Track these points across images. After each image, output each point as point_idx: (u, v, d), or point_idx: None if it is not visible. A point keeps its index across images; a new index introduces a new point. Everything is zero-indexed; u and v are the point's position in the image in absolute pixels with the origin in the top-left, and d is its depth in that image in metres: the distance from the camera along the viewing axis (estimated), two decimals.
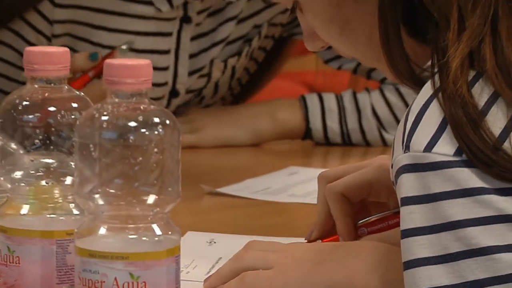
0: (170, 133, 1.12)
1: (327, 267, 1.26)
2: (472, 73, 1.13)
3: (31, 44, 2.07)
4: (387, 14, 1.22)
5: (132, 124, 1.11)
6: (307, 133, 2.22)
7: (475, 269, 1.08)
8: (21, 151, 1.20)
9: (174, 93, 2.17)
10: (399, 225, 1.20)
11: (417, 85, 1.21)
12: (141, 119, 1.11)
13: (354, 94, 2.22)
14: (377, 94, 2.21)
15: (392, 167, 1.14)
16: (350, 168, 1.44)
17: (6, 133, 1.20)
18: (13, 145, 1.20)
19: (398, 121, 2.16)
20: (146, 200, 1.11)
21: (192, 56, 2.17)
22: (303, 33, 1.36)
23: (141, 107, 1.12)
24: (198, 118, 2.20)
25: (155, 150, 1.11)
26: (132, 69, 1.12)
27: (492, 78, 1.11)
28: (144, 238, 1.11)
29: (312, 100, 2.23)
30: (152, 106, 1.13)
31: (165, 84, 2.16)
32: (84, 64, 1.93)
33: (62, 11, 2.07)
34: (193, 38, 2.16)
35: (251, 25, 2.20)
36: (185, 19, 2.13)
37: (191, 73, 2.18)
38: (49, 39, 2.08)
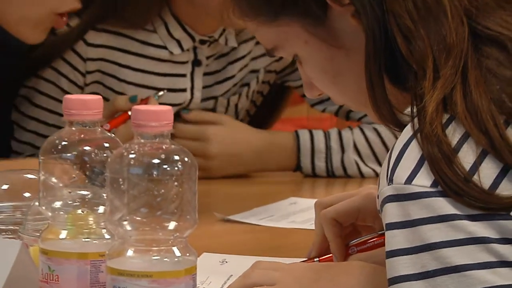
0: (188, 169, 1.12)
1: (322, 284, 1.25)
2: (446, 116, 1.13)
3: (69, 80, 2.07)
4: (372, 66, 1.22)
5: (155, 161, 1.11)
6: (297, 168, 2.21)
7: (450, 284, 1.09)
8: (60, 184, 1.19)
9: None
10: (383, 245, 1.20)
11: (398, 127, 1.21)
12: (163, 157, 1.11)
13: (339, 133, 2.20)
14: (358, 131, 2.19)
15: (378, 197, 1.14)
16: (341, 196, 1.43)
17: (48, 169, 1.19)
18: (54, 179, 1.20)
19: (375, 154, 2.18)
20: (168, 226, 1.11)
21: (206, 99, 2.17)
22: (303, 83, 1.35)
23: (163, 147, 1.12)
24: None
25: (175, 183, 1.11)
26: (155, 114, 1.12)
27: (462, 120, 1.12)
28: (165, 259, 1.11)
29: (304, 140, 2.21)
30: (172, 146, 1.12)
31: (183, 103, 2.16)
32: (125, 105, 1.93)
33: (93, 49, 2.06)
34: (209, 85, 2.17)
35: (249, 70, 2.19)
36: (196, 63, 2.14)
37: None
38: (84, 75, 2.07)
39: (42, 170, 1.20)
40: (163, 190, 1.11)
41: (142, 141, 1.12)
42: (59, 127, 1.23)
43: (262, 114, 2.31)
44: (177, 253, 1.12)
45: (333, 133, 2.21)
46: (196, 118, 2.14)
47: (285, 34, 1.30)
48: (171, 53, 2.10)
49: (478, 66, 1.15)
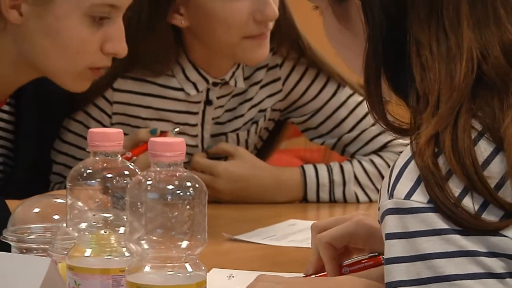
0: (199, 194, 1.12)
1: None
2: (436, 149, 1.12)
3: (97, 120, 2.07)
4: (371, 65, 1.20)
5: (170, 187, 1.11)
6: (303, 200, 2.18)
7: None
8: (86, 208, 1.19)
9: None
10: (372, 267, 1.20)
11: (386, 125, 1.20)
12: (176, 184, 1.11)
13: (341, 166, 2.17)
14: (357, 164, 2.16)
15: (379, 209, 1.13)
16: (335, 220, 1.42)
17: (74, 194, 1.20)
18: (79, 203, 1.20)
19: (373, 183, 2.16)
20: (181, 245, 1.11)
21: (214, 135, 2.17)
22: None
23: (177, 174, 1.12)
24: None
25: (187, 207, 1.11)
26: (170, 146, 1.12)
27: (447, 158, 1.11)
28: (179, 274, 1.11)
29: (310, 177, 2.17)
30: (185, 173, 1.13)
31: (196, 146, 2.15)
32: (146, 136, 1.92)
33: (119, 94, 2.06)
34: (218, 117, 2.16)
35: (258, 110, 2.19)
36: (208, 102, 2.13)
37: (213, 136, 2.18)
38: (110, 116, 2.07)
39: (69, 195, 1.21)
40: (176, 213, 1.10)
41: (158, 169, 1.12)
42: None
43: (265, 146, 2.31)
44: (189, 268, 1.12)
45: (335, 167, 2.18)
46: (217, 150, 2.14)
47: None
48: (188, 94, 2.11)
49: (469, 112, 1.13)
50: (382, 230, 1.13)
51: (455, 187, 1.10)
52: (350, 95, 2.18)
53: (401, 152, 2.19)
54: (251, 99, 2.18)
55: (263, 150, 2.29)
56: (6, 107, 1.82)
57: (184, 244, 1.11)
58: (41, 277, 1.18)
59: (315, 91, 2.18)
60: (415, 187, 1.11)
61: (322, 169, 2.18)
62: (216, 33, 2.03)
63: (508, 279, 1.08)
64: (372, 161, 2.18)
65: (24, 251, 1.32)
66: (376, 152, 2.19)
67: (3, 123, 1.83)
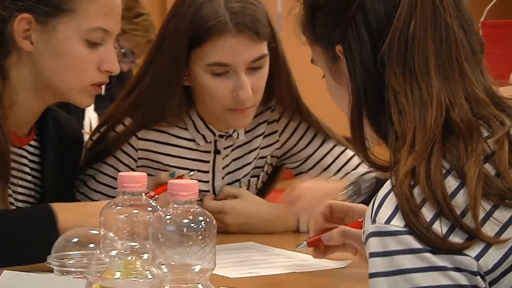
0: (209, 226, 1.12)
1: None
2: (413, 181, 1.12)
3: (125, 164, 2.06)
4: (354, 113, 1.21)
5: (185, 221, 1.11)
6: (296, 230, 2.11)
7: None
8: (116, 238, 1.19)
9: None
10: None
11: (370, 163, 1.21)
12: (191, 218, 1.12)
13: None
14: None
15: (363, 233, 1.14)
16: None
17: (106, 226, 1.20)
18: (111, 234, 1.20)
19: None
20: (194, 269, 1.11)
21: (227, 174, 2.15)
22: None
23: (191, 210, 1.12)
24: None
25: (200, 237, 1.11)
26: (186, 186, 1.13)
27: (422, 188, 1.11)
28: None
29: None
30: (198, 209, 1.13)
31: (208, 191, 2.12)
32: (166, 178, 1.91)
33: (143, 142, 2.05)
34: (227, 165, 2.14)
35: (260, 157, 2.17)
36: (216, 152, 2.12)
37: (228, 184, 2.15)
38: (135, 161, 2.06)
39: (102, 227, 1.21)
40: (190, 242, 1.11)
41: (176, 205, 1.13)
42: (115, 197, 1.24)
43: (264, 186, 2.30)
44: None
45: None
46: (224, 192, 2.12)
47: (316, 56, 1.29)
48: (198, 144, 2.10)
49: (440, 150, 1.14)
50: (366, 250, 1.13)
51: (427, 213, 1.10)
52: (334, 145, 2.18)
53: None
54: (256, 149, 2.17)
55: (263, 190, 2.28)
56: (31, 148, 1.82)
57: (197, 268, 1.11)
58: None
59: (306, 142, 2.18)
60: (393, 213, 1.11)
61: None
62: (205, 101, 2.02)
63: None
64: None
65: (65, 273, 1.31)
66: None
67: (32, 155, 1.82)
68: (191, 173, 2.01)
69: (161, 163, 2.08)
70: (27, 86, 1.73)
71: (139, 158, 2.07)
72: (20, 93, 1.73)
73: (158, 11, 4.94)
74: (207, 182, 2.12)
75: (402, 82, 1.16)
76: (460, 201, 1.10)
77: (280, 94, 2.10)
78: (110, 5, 1.72)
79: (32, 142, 1.82)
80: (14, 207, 1.76)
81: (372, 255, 1.11)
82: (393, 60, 1.17)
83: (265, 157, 2.19)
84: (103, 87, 1.81)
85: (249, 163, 2.16)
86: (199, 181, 2.08)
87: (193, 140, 2.09)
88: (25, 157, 1.80)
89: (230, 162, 2.15)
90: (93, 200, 2.07)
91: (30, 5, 1.68)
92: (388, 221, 1.11)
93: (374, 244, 1.11)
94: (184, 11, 1.94)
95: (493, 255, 1.09)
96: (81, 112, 3.62)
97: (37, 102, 1.76)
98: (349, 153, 2.17)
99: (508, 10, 4.38)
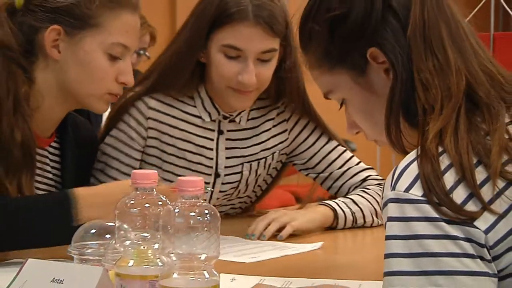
0: (214, 218, 1.11)
1: None
2: (440, 149, 1.11)
3: (136, 131, 2.04)
4: (393, 108, 1.20)
5: (192, 214, 1.11)
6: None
7: (428, 264, 1.07)
8: (130, 229, 1.19)
9: (217, 175, 2.12)
10: None
11: (402, 152, 1.20)
12: (197, 211, 1.11)
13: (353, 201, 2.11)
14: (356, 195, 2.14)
15: (382, 198, 1.13)
16: None
17: (121, 219, 1.20)
18: (125, 226, 1.19)
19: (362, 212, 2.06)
20: (200, 257, 1.10)
21: (228, 158, 2.13)
22: (347, 122, 1.32)
23: (197, 204, 1.12)
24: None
25: (205, 228, 1.10)
26: (191, 183, 1.12)
27: (448, 151, 1.10)
28: (199, 279, 1.11)
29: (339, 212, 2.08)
30: (203, 204, 1.12)
31: (211, 167, 2.11)
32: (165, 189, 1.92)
33: (152, 111, 2.05)
34: (230, 147, 2.13)
35: (267, 150, 2.16)
36: (220, 132, 2.12)
37: (228, 167, 2.13)
38: (146, 130, 2.05)
39: (117, 220, 1.20)
40: (197, 233, 1.10)
41: (184, 200, 1.12)
42: None
43: (272, 181, 2.27)
44: (207, 275, 1.11)
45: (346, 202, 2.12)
46: None
47: (337, 81, 1.27)
48: (204, 121, 2.10)
49: (467, 115, 1.14)
50: (384, 215, 1.12)
51: (449, 179, 1.09)
52: (338, 145, 2.18)
53: (376, 184, 2.17)
54: (262, 142, 2.15)
55: (269, 185, 2.27)
56: (52, 149, 1.83)
57: (203, 256, 1.11)
58: (96, 281, 1.17)
59: (313, 140, 2.18)
60: (413, 183, 1.10)
61: (343, 205, 2.10)
62: (213, 79, 2.04)
63: (477, 259, 1.08)
64: (359, 195, 2.14)
65: (84, 261, 1.31)
66: (358, 185, 2.15)
67: (53, 156, 1.83)
68: (208, 188, 2.00)
69: (168, 134, 2.08)
70: (51, 91, 1.75)
71: (149, 128, 2.06)
72: (45, 97, 1.74)
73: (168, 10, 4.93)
74: (211, 159, 2.11)
75: (424, 59, 1.17)
76: (477, 175, 1.10)
77: (290, 93, 2.11)
78: (131, 23, 1.75)
79: (53, 144, 1.83)
80: None
81: (390, 219, 1.10)
82: (417, 42, 1.18)
83: (272, 148, 2.17)
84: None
85: (255, 153, 2.15)
86: (203, 156, 2.08)
87: (200, 117, 2.09)
88: (47, 157, 1.82)
89: (235, 147, 2.13)
90: (111, 167, 2.04)
91: (62, 18, 1.71)
92: (408, 189, 1.09)
93: (393, 209, 1.10)
94: None
95: (500, 230, 1.08)
96: (99, 118, 3.64)
97: (59, 108, 1.78)
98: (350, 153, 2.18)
99: (484, 24, 4.37)
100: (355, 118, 1.29)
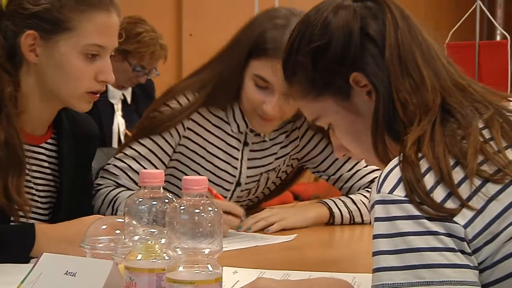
0: (217, 214, 1.11)
1: None
2: (419, 155, 1.13)
3: (170, 134, 2.06)
4: (378, 126, 1.22)
5: (196, 211, 1.11)
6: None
7: (412, 259, 1.08)
8: (138, 225, 1.19)
9: (238, 183, 2.14)
10: None
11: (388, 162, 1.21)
12: (201, 208, 1.11)
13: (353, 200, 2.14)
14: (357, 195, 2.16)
15: (369, 202, 1.14)
16: None
17: (130, 215, 1.19)
18: (133, 222, 1.19)
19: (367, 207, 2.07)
20: (204, 251, 1.10)
21: (249, 168, 2.14)
22: (334, 146, 1.34)
23: (201, 202, 1.12)
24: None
25: (209, 224, 1.10)
26: (197, 182, 1.12)
27: (426, 156, 1.12)
28: (203, 272, 1.11)
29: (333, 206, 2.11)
30: (208, 201, 1.12)
31: (234, 176, 2.13)
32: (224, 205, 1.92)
33: (191, 122, 2.08)
34: (252, 158, 2.15)
35: (279, 157, 2.18)
36: (245, 143, 2.13)
37: (249, 177, 2.15)
38: (180, 138, 2.07)
39: (127, 216, 1.20)
40: (201, 229, 1.10)
41: (188, 198, 1.12)
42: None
43: (282, 185, 2.30)
44: (210, 268, 1.11)
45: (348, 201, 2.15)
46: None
47: (324, 107, 1.29)
48: (232, 130, 2.11)
49: (441, 125, 1.16)
50: (371, 215, 1.13)
51: (429, 181, 1.10)
52: None
53: None
54: (274, 154, 2.17)
55: (281, 187, 2.28)
56: (48, 146, 1.82)
57: (207, 251, 1.11)
58: (107, 274, 1.17)
59: (323, 146, 2.20)
60: (396, 185, 1.11)
61: (340, 205, 2.13)
62: (243, 99, 2.05)
63: (458, 253, 1.09)
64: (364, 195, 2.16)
65: (95, 255, 1.31)
66: (366, 186, 2.17)
67: (50, 152, 1.82)
68: (243, 217, 1.99)
69: (198, 144, 2.09)
70: (35, 93, 1.73)
71: (183, 136, 2.08)
72: (30, 100, 1.73)
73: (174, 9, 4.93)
74: (236, 168, 2.12)
75: (401, 80, 1.20)
76: (455, 175, 1.11)
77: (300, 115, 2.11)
78: (106, 24, 1.72)
79: (50, 140, 1.82)
80: (37, 198, 1.78)
81: (377, 219, 1.11)
82: (394, 64, 1.21)
83: (284, 156, 2.18)
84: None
85: (270, 163, 2.17)
86: (229, 165, 2.10)
87: (229, 125, 2.11)
88: (43, 154, 1.80)
89: (255, 158, 2.15)
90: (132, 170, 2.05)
91: (36, 23, 1.69)
92: (392, 191, 1.11)
93: (379, 210, 1.11)
94: (258, 25, 2.00)
95: (478, 224, 1.09)
96: (110, 117, 3.65)
97: (45, 108, 1.76)
98: None
99: (469, 33, 4.37)
100: (343, 141, 1.31)
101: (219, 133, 2.10)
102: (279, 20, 1.97)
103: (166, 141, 2.07)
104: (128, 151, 2.06)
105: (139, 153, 2.06)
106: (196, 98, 2.06)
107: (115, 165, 2.06)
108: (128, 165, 2.05)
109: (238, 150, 2.12)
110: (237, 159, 2.12)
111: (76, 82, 1.71)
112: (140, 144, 2.06)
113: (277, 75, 1.94)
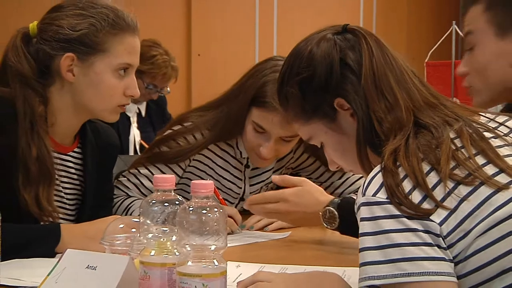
0: (222, 215, 1.11)
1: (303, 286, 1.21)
2: (397, 163, 1.13)
3: (178, 167, 2.07)
4: (360, 144, 1.24)
5: (204, 211, 1.11)
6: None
7: (394, 254, 1.09)
8: (151, 224, 1.18)
9: (242, 199, 2.14)
10: None
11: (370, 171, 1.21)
12: (208, 209, 1.11)
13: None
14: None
15: (356, 204, 1.14)
16: None
17: (144, 215, 1.19)
18: (148, 221, 1.19)
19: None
20: (210, 248, 1.10)
21: (251, 185, 2.16)
22: (328, 160, 1.35)
23: (208, 203, 1.12)
24: None
25: (215, 223, 1.10)
26: (204, 185, 1.12)
27: (402, 165, 1.13)
28: (209, 266, 1.11)
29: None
30: (214, 203, 1.12)
31: (239, 194, 2.14)
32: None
33: (199, 155, 2.08)
34: (253, 176, 2.16)
35: (276, 169, 2.19)
36: (247, 166, 2.13)
37: (251, 193, 2.16)
38: (185, 170, 2.09)
39: (141, 216, 1.20)
40: (208, 228, 1.10)
41: (197, 200, 1.12)
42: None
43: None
44: (216, 263, 1.11)
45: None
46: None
47: (314, 129, 1.32)
48: (236, 155, 2.11)
49: (415, 138, 1.17)
50: (358, 216, 1.13)
51: (405, 187, 1.11)
52: None
53: None
54: (272, 168, 2.18)
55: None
56: (74, 154, 1.82)
57: (213, 247, 1.11)
58: (123, 268, 1.17)
59: (313, 159, 2.20)
60: (379, 189, 1.12)
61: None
62: (244, 138, 2.06)
63: (435, 247, 1.09)
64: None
65: (114, 251, 1.30)
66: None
67: (76, 159, 1.82)
68: (243, 226, 1.98)
69: (204, 172, 2.10)
70: (68, 108, 1.74)
71: (193, 159, 2.08)
72: (61, 114, 1.73)
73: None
74: (240, 188, 2.14)
75: (377, 101, 1.22)
76: (431, 179, 1.11)
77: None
78: (132, 45, 1.74)
79: (76, 149, 1.82)
80: (65, 200, 1.77)
81: (362, 219, 1.12)
82: (369, 88, 1.23)
83: (281, 170, 2.19)
84: (127, 107, 1.84)
85: (269, 177, 2.18)
86: (235, 185, 2.12)
87: (232, 146, 2.10)
88: (70, 161, 1.81)
89: (255, 176, 2.16)
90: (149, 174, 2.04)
91: (74, 47, 1.69)
92: (375, 194, 1.11)
93: (364, 211, 1.12)
94: (261, 75, 1.98)
95: (451, 222, 1.10)
96: (127, 128, 3.66)
97: (75, 120, 1.77)
98: None
99: (447, 53, 4.38)
100: (332, 156, 1.33)
101: (225, 156, 2.11)
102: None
103: (179, 165, 2.08)
104: (142, 170, 2.06)
105: (152, 173, 2.06)
106: (206, 137, 2.06)
107: (129, 179, 2.07)
108: (141, 182, 2.06)
109: (241, 171, 2.13)
110: (241, 179, 2.13)
111: (110, 98, 1.72)
112: (154, 167, 2.06)
113: (274, 125, 1.97)
